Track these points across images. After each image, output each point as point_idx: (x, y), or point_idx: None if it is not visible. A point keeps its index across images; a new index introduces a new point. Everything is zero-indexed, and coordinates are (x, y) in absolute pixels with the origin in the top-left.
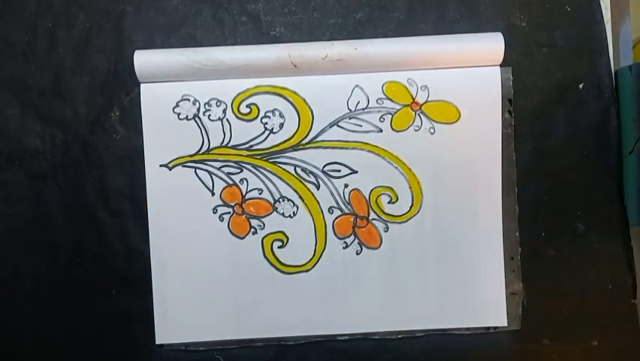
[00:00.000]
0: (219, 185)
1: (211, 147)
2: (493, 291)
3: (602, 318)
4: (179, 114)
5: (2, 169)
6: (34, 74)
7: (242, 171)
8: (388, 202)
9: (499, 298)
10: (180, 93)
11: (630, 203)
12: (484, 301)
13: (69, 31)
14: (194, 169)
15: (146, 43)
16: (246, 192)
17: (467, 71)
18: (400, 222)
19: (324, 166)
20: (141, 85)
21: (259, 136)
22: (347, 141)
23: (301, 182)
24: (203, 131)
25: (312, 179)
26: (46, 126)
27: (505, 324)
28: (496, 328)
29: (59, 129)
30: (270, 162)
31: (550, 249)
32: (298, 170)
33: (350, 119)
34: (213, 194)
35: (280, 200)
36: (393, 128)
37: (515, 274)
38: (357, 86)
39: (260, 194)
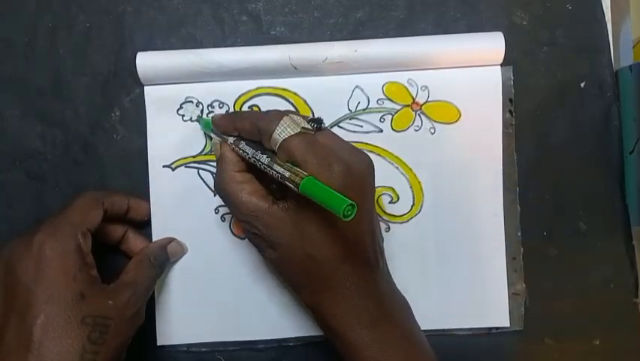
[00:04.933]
0: None
1: None
2: (495, 291)
3: (604, 317)
4: (183, 116)
5: (2, 169)
6: (34, 74)
7: None
8: (389, 202)
9: (501, 299)
10: (184, 95)
11: (631, 202)
12: (486, 301)
13: (69, 31)
14: (196, 170)
15: (146, 44)
16: None
17: (468, 71)
18: (401, 222)
19: None
20: (145, 87)
21: None
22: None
23: None
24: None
25: None
26: (46, 127)
27: (508, 324)
28: (498, 328)
29: (59, 130)
30: None
31: (551, 249)
32: None
33: (350, 119)
34: (215, 194)
35: None
36: (393, 129)
37: (517, 274)
38: (357, 86)
39: None
